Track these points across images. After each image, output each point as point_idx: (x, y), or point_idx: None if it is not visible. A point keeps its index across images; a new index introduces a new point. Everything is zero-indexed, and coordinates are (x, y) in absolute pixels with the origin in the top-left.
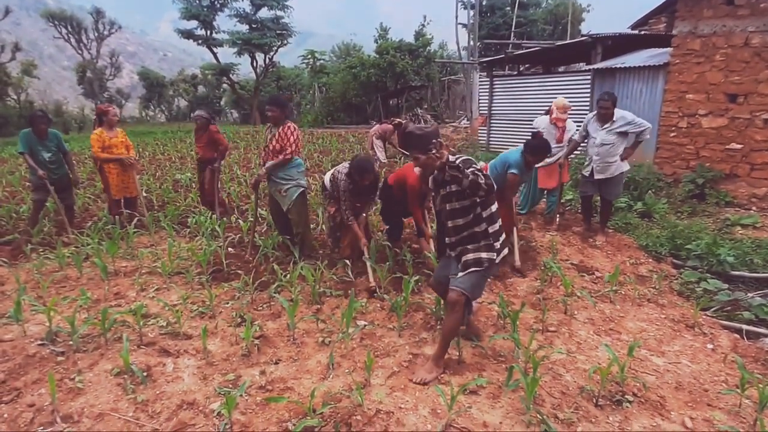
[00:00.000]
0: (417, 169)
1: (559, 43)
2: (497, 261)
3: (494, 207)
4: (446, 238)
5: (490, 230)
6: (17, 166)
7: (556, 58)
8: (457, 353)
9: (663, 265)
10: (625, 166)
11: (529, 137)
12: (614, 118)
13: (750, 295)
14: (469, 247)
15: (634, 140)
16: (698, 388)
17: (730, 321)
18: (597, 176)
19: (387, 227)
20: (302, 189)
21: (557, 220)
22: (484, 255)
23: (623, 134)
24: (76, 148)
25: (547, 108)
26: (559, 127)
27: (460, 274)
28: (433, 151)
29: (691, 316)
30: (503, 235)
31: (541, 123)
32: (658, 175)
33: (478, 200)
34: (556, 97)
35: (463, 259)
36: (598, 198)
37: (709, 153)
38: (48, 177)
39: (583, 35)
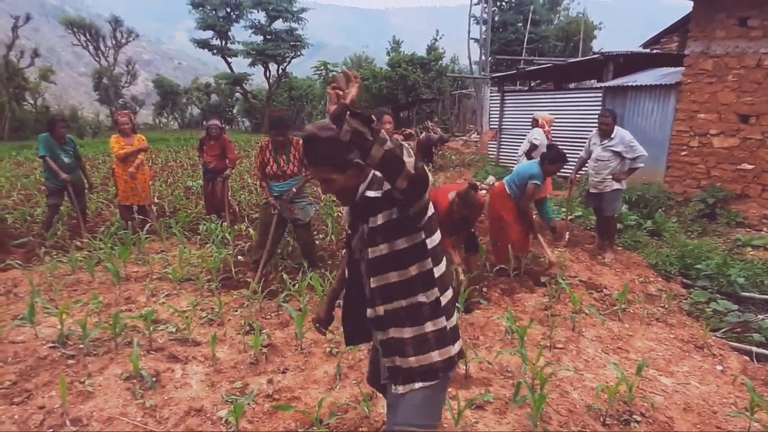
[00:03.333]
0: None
1: (571, 60)
2: (456, 356)
3: (443, 265)
4: (368, 309)
5: (443, 300)
6: (32, 170)
7: (568, 75)
8: (464, 368)
9: (672, 285)
10: (621, 185)
11: (546, 150)
12: (612, 136)
13: (760, 317)
14: (406, 337)
15: (629, 166)
16: (707, 410)
17: (739, 343)
18: (592, 190)
19: None
20: (315, 207)
21: (566, 236)
22: (436, 355)
23: (618, 153)
24: (90, 153)
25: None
26: (549, 139)
27: (401, 404)
28: (356, 166)
29: (701, 337)
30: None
31: (540, 136)
32: (668, 193)
33: (424, 236)
34: (567, 113)
35: (400, 363)
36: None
37: (720, 173)
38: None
39: (595, 53)
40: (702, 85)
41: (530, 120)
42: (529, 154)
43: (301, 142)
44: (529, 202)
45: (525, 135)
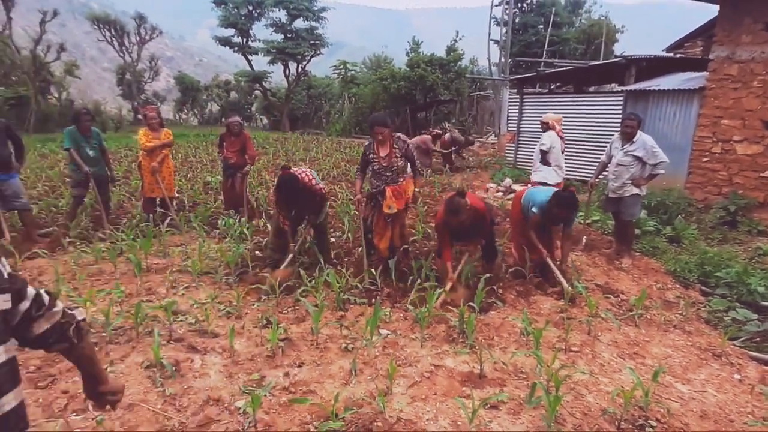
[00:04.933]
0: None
1: (592, 63)
2: None
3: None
4: None
5: None
6: (57, 162)
7: (588, 78)
8: (479, 367)
9: (691, 292)
10: (641, 190)
11: (561, 190)
12: (634, 140)
13: None
14: None
15: (649, 172)
16: (723, 418)
17: (759, 352)
18: (611, 195)
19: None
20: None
21: (584, 240)
22: None
23: (639, 159)
24: (112, 147)
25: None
26: (562, 138)
27: None
28: None
29: (719, 345)
30: None
31: (548, 140)
32: (688, 200)
33: None
34: (587, 117)
35: None
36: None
37: (742, 180)
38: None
39: (617, 56)
40: (726, 91)
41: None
42: (545, 160)
43: (315, 186)
44: (530, 230)
45: None
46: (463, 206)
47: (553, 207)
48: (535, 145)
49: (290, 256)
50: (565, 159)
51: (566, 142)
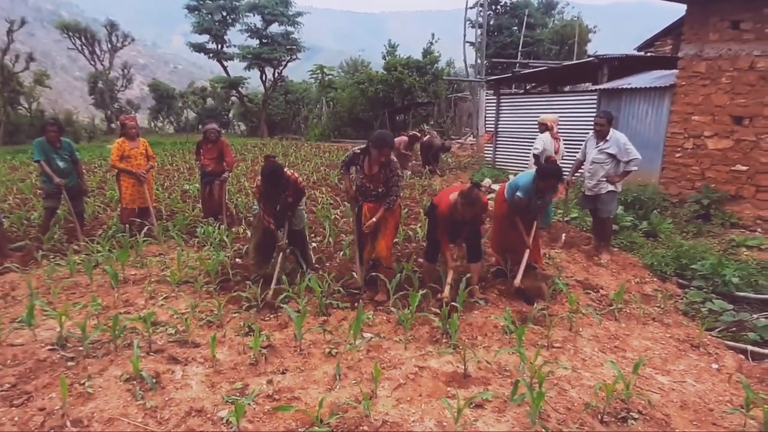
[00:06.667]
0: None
1: (566, 63)
2: None
3: None
4: None
5: None
6: (28, 174)
7: (563, 78)
8: (463, 367)
9: (668, 285)
10: (616, 187)
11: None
12: (607, 138)
13: (755, 316)
14: None
15: (623, 169)
16: (703, 407)
17: (735, 342)
18: (587, 192)
19: (425, 244)
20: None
21: (563, 237)
22: None
23: (613, 156)
24: (86, 157)
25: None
26: (557, 140)
27: None
28: None
29: (696, 336)
30: None
31: (541, 143)
32: (663, 195)
33: None
34: (562, 116)
35: None
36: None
37: (714, 174)
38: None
39: (589, 56)
40: (696, 88)
41: (526, 122)
42: (538, 163)
43: (298, 179)
44: (517, 213)
45: (521, 138)
46: (479, 199)
47: (539, 181)
48: (513, 144)
49: (281, 255)
50: None
51: None
